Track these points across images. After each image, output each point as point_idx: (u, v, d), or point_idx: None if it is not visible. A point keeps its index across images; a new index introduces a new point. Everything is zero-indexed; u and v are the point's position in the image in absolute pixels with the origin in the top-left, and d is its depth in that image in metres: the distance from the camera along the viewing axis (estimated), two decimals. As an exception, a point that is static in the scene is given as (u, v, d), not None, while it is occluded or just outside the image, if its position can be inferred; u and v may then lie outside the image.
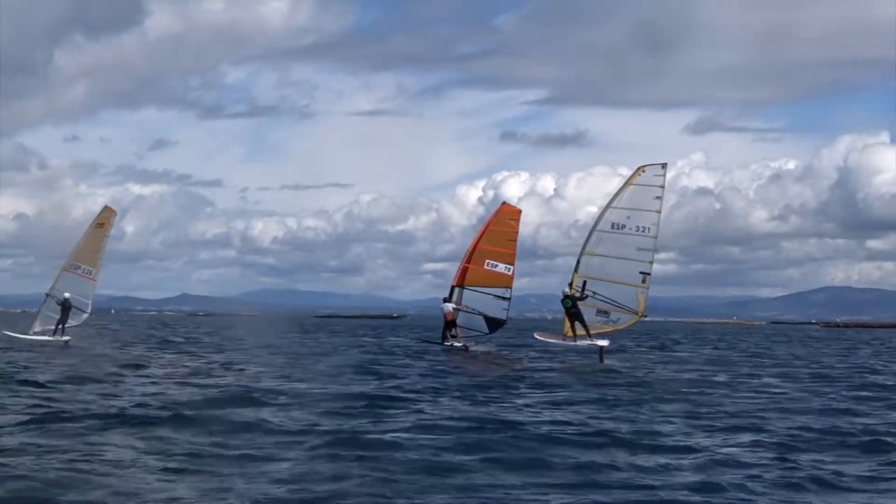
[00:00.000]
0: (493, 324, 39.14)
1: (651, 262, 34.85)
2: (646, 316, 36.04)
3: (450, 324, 38.88)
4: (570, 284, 34.63)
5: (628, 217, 34.59)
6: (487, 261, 39.28)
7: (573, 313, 34.22)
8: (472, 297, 39.22)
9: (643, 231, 34.54)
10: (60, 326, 39.87)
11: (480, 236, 40.14)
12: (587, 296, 34.43)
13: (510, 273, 39.29)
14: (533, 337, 38.45)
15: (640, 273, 34.74)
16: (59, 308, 39.74)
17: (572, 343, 34.30)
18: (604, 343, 33.59)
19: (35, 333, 40.28)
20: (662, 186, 34.65)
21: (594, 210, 36.30)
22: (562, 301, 34.53)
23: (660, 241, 35.04)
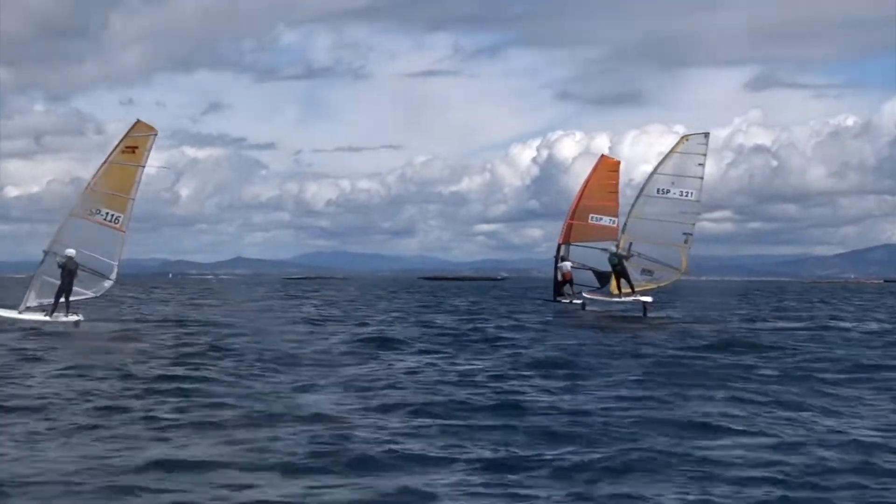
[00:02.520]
0: (603, 277, 40.13)
1: (693, 224, 37.41)
2: (687, 274, 38.73)
3: (566, 282, 40.75)
4: (617, 245, 37.34)
5: (672, 182, 37.15)
6: (591, 215, 41.51)
7: (619, 271, 36.91)
8: (579, 253, 41.11)
9: (686, 195, 37.07)
10: (64, 300, 28.21)
11: (582, 192, 42.17)
12: (632, 255, 37.08)
13: (615, 225, 41.06)
14: (581, 295, 40.87)
15: (683, 234, 37.31)
16: (59, 272, 28.12)
17: (618, 300, 37.01)
18: (647, 300, 36.24)
19: (28, 310, 28.72)
20: (704, 154, 37.12)
21: (649, 169, 38.76)
22: (609, 258, 37.22)
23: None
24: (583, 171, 45.40)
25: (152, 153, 28.98)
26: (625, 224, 37.98)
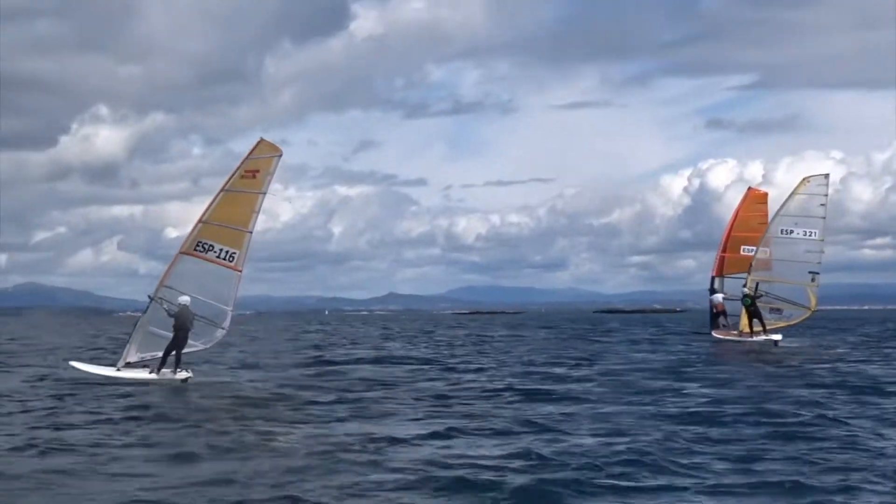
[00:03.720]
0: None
1: (819, 262, 38.67)
2: (815, 310, 39.83)
3: (720, 314, 41.54)
4: (745, 285, 38.78)
5: (796, 223, 38.55)
6: (743, 246, 42.61)
7: (752, 311, 38.31)
8: (732, 285, 41.78)
9: (810, 235, 38.37)
10: (175, 353, 24.36)
11: (732, 224, 43.53)
12: (762, 294, 38.44)
13: (767, 256, 40.70)
14: (710, 334, 41.84)
15: (809, 273, 38.60)
16: (170, 322, 24.22)
17: (749, 339, 38.33)
18: (777, 338, 37.49)
19: (128, 366, 24.85)
20: (826, 195, 38.43)
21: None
22: (742, 300, 38.65)
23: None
24: (735, 199, 46.13)
25: (275, 178, 24.71)
26: (750, 265, 39.43)
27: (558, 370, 27.88)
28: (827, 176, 38.98)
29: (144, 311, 25.06)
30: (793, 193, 39.19)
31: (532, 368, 28.78)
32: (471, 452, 13.81)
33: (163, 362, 24.51)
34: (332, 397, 20.82)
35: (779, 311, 39.14)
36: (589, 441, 14.64)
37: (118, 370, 24.85)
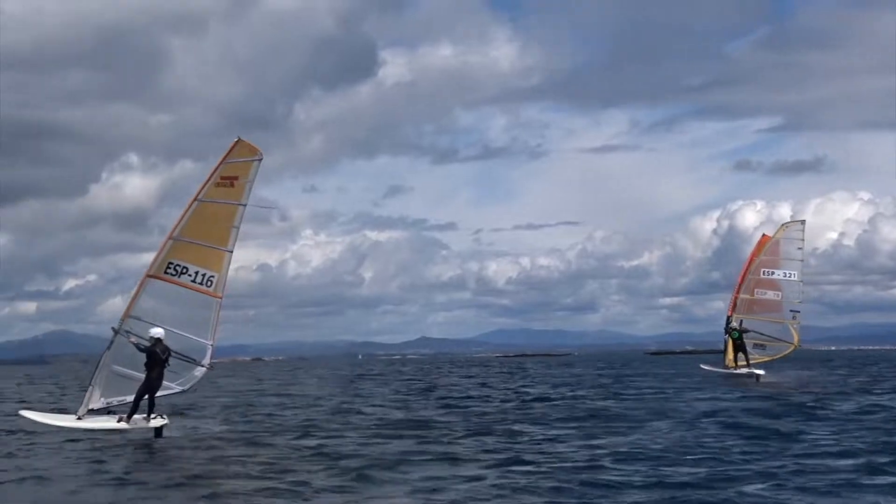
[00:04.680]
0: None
1: (800, 301, 42.27)
2: (799, 346, 43.36)
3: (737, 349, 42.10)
4: (728, 320, 42.34)
5: (777, 266, 42.32)
6: (756, 289, 43.59)
7: (738, 345, 41.71)
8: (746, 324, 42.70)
9: (790, 276, 42.09)
10: (148, 397, 20.86)
11: (747, 268, 44.07)
12: (747, 331, 41.89)
13: (778, 298, 42.70)
14: (699, 367, 45.73)
15: (791, 311, 42.23)
16: (140, 359, 20.69)
17: (735, 371, 41.66)
18: (760, 372, 40.73)
19: (90, 413, 21.20)
20: (803, 240, 42.23)
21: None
22: (731, 334, 42.03)
23: None
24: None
25: (255, 187, 21.34)
26: (734, 302, 42.96)
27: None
28: (803, 222, 42.77)
29: (108, 347, 21.13)
30: (773, 238, 42.87)
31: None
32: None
33: (134, 408, 20.67)
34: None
35: (762, 346, 42.54)
36: None
37: (79, 418, 21.02)
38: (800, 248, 42.30)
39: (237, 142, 21.29)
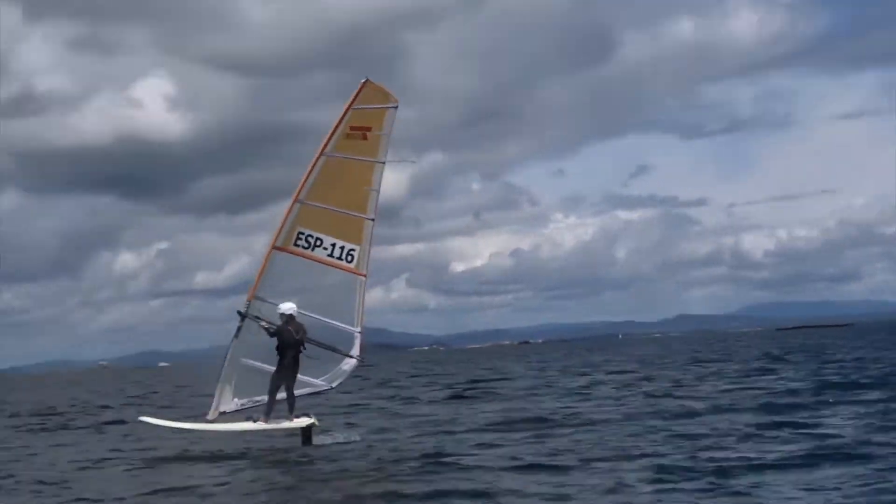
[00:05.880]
0: None
1: None
2: None
3: None
4: None
5: None
6: None
7: None
8: None
9: None
10: (286, 393, 17.53)
11: None
12: None
13: None
14: None
15: None
16: (270, 346, 17.45)
17: None
18: None
19: (222, 416, 17.88)
20: None
21: None
22: None
23: None
24: None
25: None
26: None
27: None
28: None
29: (236, 335, 17.66)
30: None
31: None
32: None
33: (270, 405, 17.31)
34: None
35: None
36: None
37: (210, 421, 17.81)
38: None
39: (365, 83, 17.58)
